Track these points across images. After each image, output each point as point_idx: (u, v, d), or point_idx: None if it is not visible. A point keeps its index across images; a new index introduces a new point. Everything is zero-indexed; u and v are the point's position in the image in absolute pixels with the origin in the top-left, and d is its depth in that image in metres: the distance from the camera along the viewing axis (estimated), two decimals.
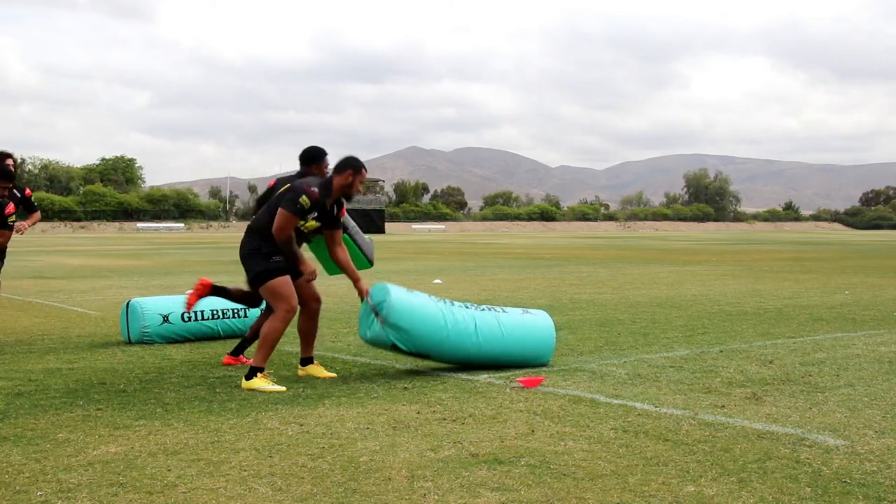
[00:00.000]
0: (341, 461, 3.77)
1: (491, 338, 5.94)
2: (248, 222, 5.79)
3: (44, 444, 4.03)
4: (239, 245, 5.74)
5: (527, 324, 6.18)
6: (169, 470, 3.63)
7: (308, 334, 5.91)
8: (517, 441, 4.10)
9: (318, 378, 5.80)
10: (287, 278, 5.54)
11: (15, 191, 7.74)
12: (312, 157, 6.11)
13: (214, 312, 7.56)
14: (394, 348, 5.80)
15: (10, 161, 7.83)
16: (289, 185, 5.62)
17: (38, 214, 8.25)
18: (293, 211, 5.42)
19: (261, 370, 5.44)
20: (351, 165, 5.66)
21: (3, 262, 7.95)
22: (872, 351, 6.92)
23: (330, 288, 13.32)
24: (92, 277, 15.89)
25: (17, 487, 3.39)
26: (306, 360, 5.95)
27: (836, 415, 4.67)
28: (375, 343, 5.84)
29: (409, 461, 3.76)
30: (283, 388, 5.35)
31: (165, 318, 7.32)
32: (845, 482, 3.49)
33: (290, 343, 7.35)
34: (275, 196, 5.68)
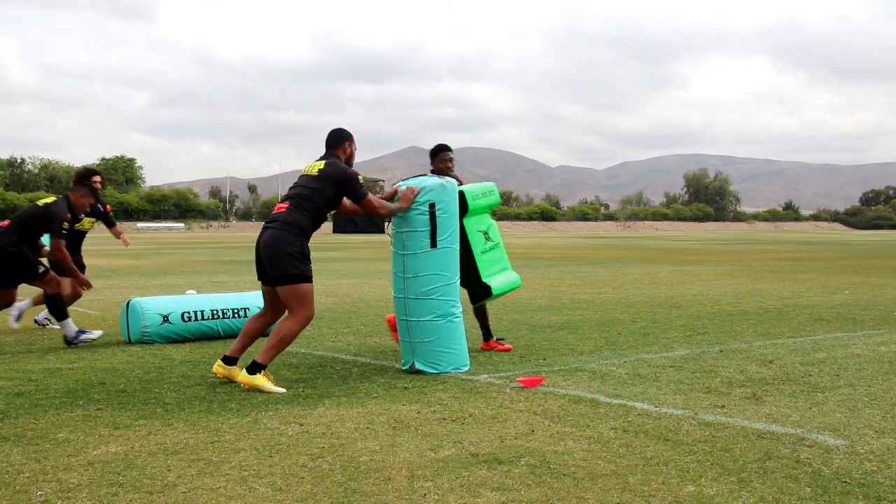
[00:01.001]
0: (341, 461, 3.77)
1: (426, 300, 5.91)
2: (281, 214, 5.49)
3: (44, 444, 4.03)
4: (267, 237, 5.44)
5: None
6: (169, 470, 3.63)
7: (253, 336, 5.70)
8: (517, 441, 4.10)
9: (237, 381, 5.50)
10: (312, 286, 5.52)
11: (98, 205, 8.58)
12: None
13: (214, 312, 7.56)
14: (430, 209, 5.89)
15: (97, 178, 8.53)
16: (327, 176, 5.57)
17: (118, 227, 9.30)
18: (366, 191, 5.68)
19: (264, 368, 5.40)
20: (345, 137, 5.82)
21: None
22: (872, 351, 6.92)
23: (330, 288, 13.31)
24: (92, 277, 15.84)
25: (18, 487, 3.39)
26: (231, 361, 5.59)
27: (836, 415, 4.67)
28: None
29: (409, 461, 3.77)
30: (284, 390, 5.31)
31: (165, 318, 7.32)
32: (845, 482, 3.49)
33: (293, 344, 7.35)
34: (306, 189, 5.55)
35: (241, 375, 5.38)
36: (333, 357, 6.64)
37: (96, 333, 7.22)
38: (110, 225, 9.05)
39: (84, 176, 8.05)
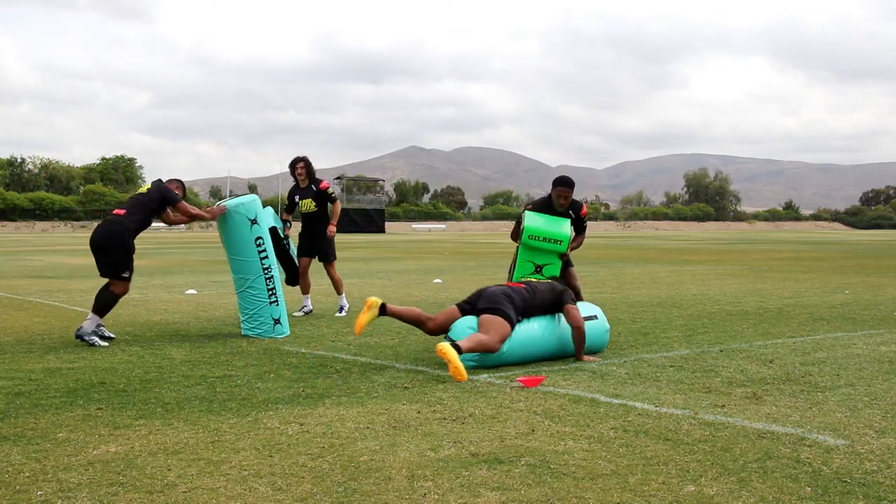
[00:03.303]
0: (341, 461, 3.77)
1: None
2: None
3: (44, 444, 4.03)
4: (492, 289, 6.39)
5: None
6: (169, 469, 3.63)
7: (414, 321, 6.53)
8: (517, 441, 4.10)
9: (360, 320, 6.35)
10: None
11: (312, 185, 9.43)
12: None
13: (268, 270, 7.82)
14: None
15: (301, 165, 9.43)
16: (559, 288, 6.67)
17: (337, 206, 9.66)
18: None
19: (461, 353, 5.75)
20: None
21: (317, 250, 9.59)
22: (872, 351, 6.92)
23: (330, 287, 13.28)
24: (92, 277, 15.87)
25: (17, 487, 3.39)
26: (384, 310, 6.41)
27: (836, 414, 4.67)
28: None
29: (409, 461, 3.77)
30: (466, 377, 5.60)
31: (253, 222, 7.75)
32: (845, 482, 3.49)
33: (290, 343, 7.36)
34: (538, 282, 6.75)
35: (444, 344, 5.71)
36: (333, 357, 6.64)
37: (105, 343, 7.24)
38: (332, 201, 9.53)
39: (291, 165, 9.45)
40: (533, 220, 7.29)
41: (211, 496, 3.30)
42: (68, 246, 34.53)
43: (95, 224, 79.66)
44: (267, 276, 7.79)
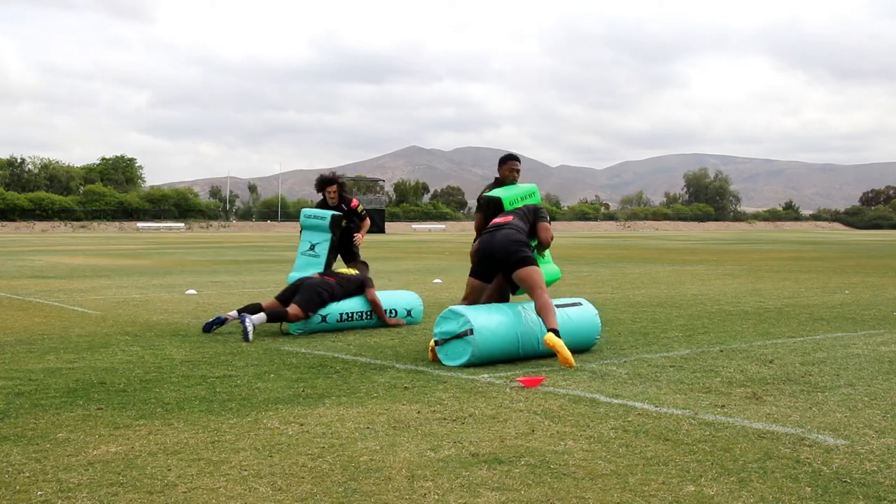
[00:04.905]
0: (341, 461, 3.77)
1: None
2: (507, 222, 6.88)
3: (44, 444, 4.03)
4: (498, 238, 6.68)
5: None
6: (169, 469, 3.63)
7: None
8: (517, 441, 4.10)
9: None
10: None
11: (343, 204, 9.32)
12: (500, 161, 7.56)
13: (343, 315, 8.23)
14: None
15: (331, 188, 9.22)
16: (536, 206, 7.15)
17: (366, 222, 9.54)
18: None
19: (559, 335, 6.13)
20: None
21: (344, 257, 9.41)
22: (872, 351, 6.92)
23: None
24: (92, 277, 15.89)
25: (17, 487, 3.39)
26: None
27: (836, 414, 4.67)
28: None
29: (409, 461, 3.77)
30: (574, 365, 6.03)
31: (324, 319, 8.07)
32: (845, 482, 3.49)
33: (290, 343, 7.36)
34: (518, 209, 7.04)
35: (549, 337, 6.08)
36: (333, 357, 6.64)
37: (250, 338, 7.47)
38: (362, 219, 9.47)
39: (320, 185, 9.32)
40: (501, 192, 7.25)
41: (211, 496, 3.30)
42: (68, 246, 34.53)
43: (96, 224, 79.10)
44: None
